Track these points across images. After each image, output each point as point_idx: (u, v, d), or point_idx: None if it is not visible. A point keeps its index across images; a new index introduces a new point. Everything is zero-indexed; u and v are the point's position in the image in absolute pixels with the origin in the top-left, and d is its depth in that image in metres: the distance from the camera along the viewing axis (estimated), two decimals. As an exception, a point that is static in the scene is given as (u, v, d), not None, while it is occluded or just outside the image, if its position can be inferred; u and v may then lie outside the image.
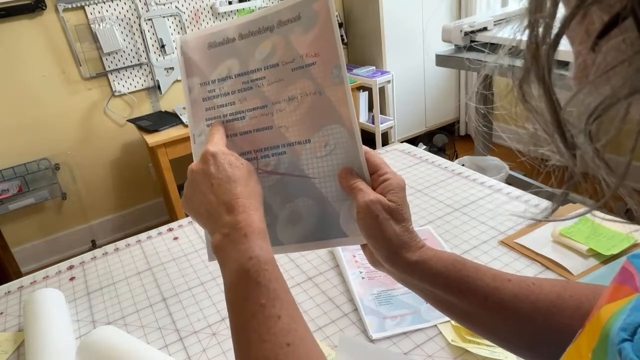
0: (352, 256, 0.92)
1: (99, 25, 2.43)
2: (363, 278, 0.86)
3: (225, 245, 0.43)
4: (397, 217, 0.46)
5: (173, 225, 1.16)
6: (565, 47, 0.25)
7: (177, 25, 2.65)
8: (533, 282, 0.45)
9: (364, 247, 0.51)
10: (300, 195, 0.51)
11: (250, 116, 0.53)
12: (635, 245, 0.84)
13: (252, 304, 0.40)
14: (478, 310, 0.45)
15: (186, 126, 2.28)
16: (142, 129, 2.35)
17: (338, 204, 0.50)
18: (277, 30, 0.51)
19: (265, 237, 0.43)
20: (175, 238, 1.10)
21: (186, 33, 2.26)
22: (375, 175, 0.49)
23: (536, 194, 1.07)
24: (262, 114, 0.52)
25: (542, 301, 0.43)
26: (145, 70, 2.63)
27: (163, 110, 2.66)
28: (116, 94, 2.59)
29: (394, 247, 0.45)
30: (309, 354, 0.38)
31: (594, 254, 0.84)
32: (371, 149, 0.52)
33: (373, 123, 2.96)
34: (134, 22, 2.53)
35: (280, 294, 0.41)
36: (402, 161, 1.32)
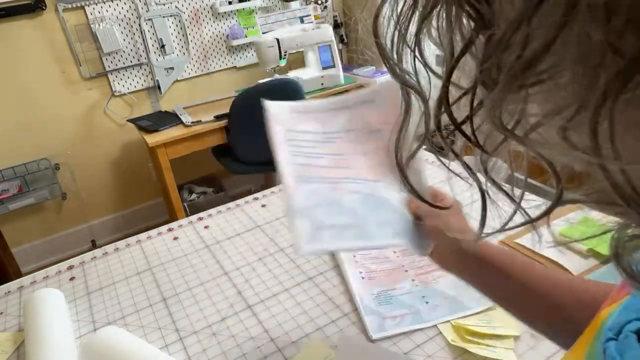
0: (352, 256, 0.92)
1: (99, 25, 2.43)
2: (363, 278, 0.86)
3: None
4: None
5: (173, 225, 1.16)
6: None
7: (177, 25, 2.65)
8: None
9: (431, 256, 0.60)
10: (383, 208, 0.61)
11: (330, 158, 0.64)
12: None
13: None
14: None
15: (186, 126, 2.28)
16: (142, 129, 2.35)
17: (409, 226, 0.61)
18: (353, 107, 0.66)
19: None
20: (175, 238, 1.10)
21: (185, 31, 2.26)
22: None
23: (537, 194, 1.07)
24: (340, 159, 0.64)
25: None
26: (145, 70, 2.63)
27: (163, 110, 2.66)
28: (116, 94, 2.59)
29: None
30: None
31: (594, 254, 0.84)
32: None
33: (373, 123, 2.96)
34: (134, 22, 2.53)
35: None
36: (402, 161, 1.32)
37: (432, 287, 0.82)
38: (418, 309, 0.78)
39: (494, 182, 0.26)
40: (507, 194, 0.26)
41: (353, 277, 0.86)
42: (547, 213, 0.24)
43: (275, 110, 0.67)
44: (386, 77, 0.66)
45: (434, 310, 0.77)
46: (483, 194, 0.27)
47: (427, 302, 0.79)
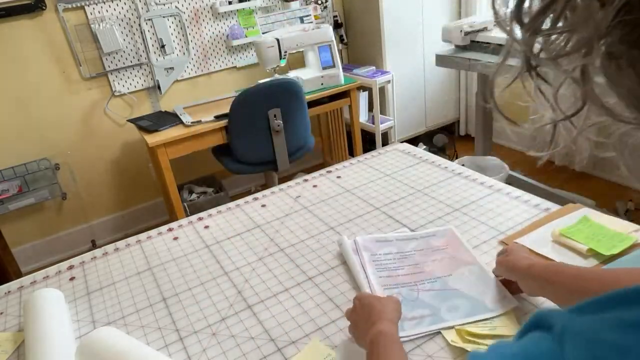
0: (370, 255, 0.92)
1: (99, 25, 2.43)
2: (380, 277, 0.87)
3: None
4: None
5: (173, 225, 1.16)
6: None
7: (177, 25, 2.65)
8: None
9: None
10: (453, 297, 0.81)
11: (407, 269, 0.89)
12: (635, 245, 0.84)
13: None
14: None
15: (186, 126, 2.28)
16: (142, 129, 2.35)
17: (480, 297, 0.80)
18: (420, 239, 0.96)
19: (391, 323, 0.66)
20: (175, 238, 1.10)
21: (185, 31, 2.26)
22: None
23: (536, 194, 1.07)
24: (415, 267, 0.89)
25: None
26: (145, 70, 2.63)
27: (163, 110, 2.66)
28: (116, 94, 2.59)
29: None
30: None
31: (594, 254, 0.84)
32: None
33: (373, 123, 2.96)
34: (134, 22, 2.53)
35: (394, 351, 0.61)
36: (402, 161, 1.32)
37: (452, 287, 0.83)
38: (438, 309, 0.78)
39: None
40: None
41: (373, 277, 0.86)
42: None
43: (363, 241, 0.95)
44: (442, 228, 0.99)
45: (454, 311, 0.77)
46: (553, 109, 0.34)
47: (447, 303, 0.80)
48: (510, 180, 2.37)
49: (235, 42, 2.75)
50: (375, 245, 0.94)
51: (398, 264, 0.90)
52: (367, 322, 0.67)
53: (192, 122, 2.29)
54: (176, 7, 2.61)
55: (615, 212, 2.27)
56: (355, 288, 0.86)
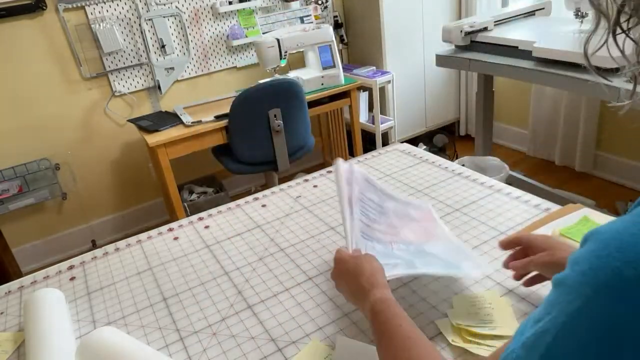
0: (359, 192, 0.88)
1: (99, 25, 2.43)
2: (361, 221, 0.84)
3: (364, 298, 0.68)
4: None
5: (173, 225, 1.16)
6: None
7: (177, 25, 2.65)
8: None
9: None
10: (428, 256, 0.82)
11: (384, 227, 0.87)
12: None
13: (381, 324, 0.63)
14: None
15: (186, 126, 2.28)
16: (142, 129, 2.35)
17: (455, 262, 0.81)
18: (398, 202, 0.94)
19: (385, 288, 0.67)
20: (176, 238, 1.10)
21: (186, 31, 2.27)
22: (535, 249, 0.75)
23: (536, 194, 1.07)
24: (391, 228, 0.88)
25: None
26: (145, 70, 2.64)
27: (163, 110, 2.66)
28: (116, 94, 2.59)
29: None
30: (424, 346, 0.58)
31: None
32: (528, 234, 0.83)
33: (373, 123, 2.96)
34: (134, 22, 2.53)
35: (398, 314, 0.63)
36: (402, 161, 1.32)
37: (427, 251, 0.84)
38: (412, 260, 0.78)
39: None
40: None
41: (356, 218, 0.83)
42: None
43: (358, 174, 0.89)
44: (420, 202, 1.00)
45: (428, 265, 0.78)
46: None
47: (421, 259, 0.80)
48: (510, 180, 2.37)
49: (236, 42, 2.75)
50: (364, 184, 0.90)
51: (376, 217, 0.88)
52: (359, 285, 0.69)
53: (192, 122, 2.29)
54: (176, 7, 2.61)
55: (615, 212, 2.27)
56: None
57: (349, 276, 0.71)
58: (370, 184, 0.92)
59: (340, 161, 0.88)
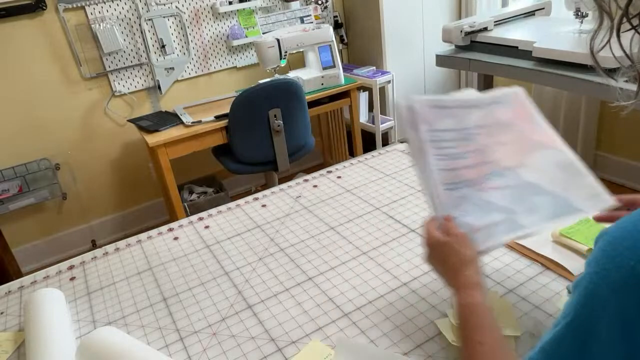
0: (428, 130, 0.72)
1: (99, 25, 2.43)
2: (440, 170, 0.69)
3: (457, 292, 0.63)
4: None
5: (173, 225, 1.16)
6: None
7: (177, 25, 2.65)
8: None
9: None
10: (530, 195, 0.67)
11: (471, 158, 0.70)
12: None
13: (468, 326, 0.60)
14: None
15: (186, 126, 2.28)
16: (142, 129, 2.35)
17: (565, 193, 0.67)
18: (483, 107, 0.75)
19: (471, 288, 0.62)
20: (176, 238, 1.10)
21: (186, 31, 2.26)
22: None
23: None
24: (479, 155, 0.71)
25: None
26: (145, 70, 2.63)
27: (163, 110, 2.66)
28: (116, 94, 2.59)
29: None
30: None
31: (594, 254, 0.84)
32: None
33: (373, 123, 2.96)
34: (134, 22, 2.53)
35: (481, 325, 0.59)
36: (402, 161, 1.33)
37: (527, 180, 0.69)
38: (513, 211, 0.65)
39: None
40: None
41: (435, 170, 0.69)
42: None
43: (421, 107, 0.71)
44: (508, 90, 0.80)
45: (534, 213, 0.65)
46: None
47: (523, 204, 0.66)
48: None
49: (236, 42, 2.75)
50: (433, 112, 0.72)
51: (460, 149, 0.70)
52: (448, 280, 0.65)
53: (192, 122, 2.29)
54: (176, 7, 2.61)
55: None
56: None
57: (439, 266, 0.67)
58: (440, 106, 0.73)
59: (400, 104, 0.73)
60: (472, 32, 2.15)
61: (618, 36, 0.45)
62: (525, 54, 1.92)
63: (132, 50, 2.56)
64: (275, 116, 2.23)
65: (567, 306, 0.40)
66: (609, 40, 0.46)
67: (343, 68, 2.70)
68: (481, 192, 0.67)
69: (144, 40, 2.57)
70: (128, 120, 2.53)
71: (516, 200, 0.65)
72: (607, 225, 0.64)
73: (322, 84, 2.60)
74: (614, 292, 0.35)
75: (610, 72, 0.52)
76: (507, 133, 0.73)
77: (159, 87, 2.67)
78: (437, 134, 0.71)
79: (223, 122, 2.28)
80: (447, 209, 0.66)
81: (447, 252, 0.65)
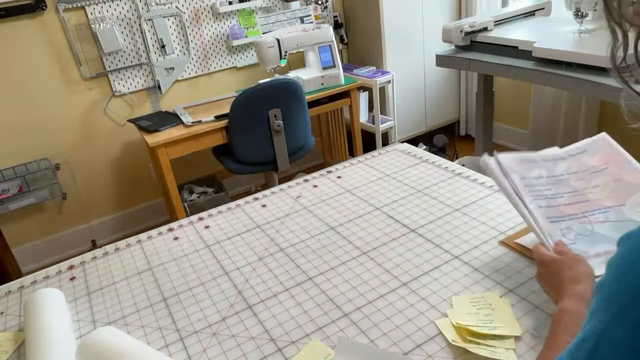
0: (519, 178, 0.80)
1: (99, 25, 2.43)
2: (540, 207, 0.76)
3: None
4: None
5: (173, 225, 1.16)
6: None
7: (177, 25, 2.65)
8: None
9: None
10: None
11: (568, 197, 0.76)
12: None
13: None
14: None
15: (186, 126, 2.28)
16: (142, 129, 2.35)
17: None
18: (568, 158, 0.82)
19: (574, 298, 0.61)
20: (176, 238, 1.10)
21: (186, 31, 2.27)
22: None
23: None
24: (577, 195, 0.76)
25: None
26: (145, 70, 2.64)
27: (163, 110, 2.66)
28: (116, 94, 2.59)
29: None
30: None
31: (594, 254, 0.84)
32: None
33: (373, 123, 2.96)
34: (134, 22, 2.53)
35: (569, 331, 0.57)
36: (402, 161, 1.32)
37: (631, 218, 0.72)
38: None
39: None
40: None
41: (532, 207, 0.75)
42: None
43: (507, 162, 0.79)
44: (593, 138, 0.89)
45: None
46: None
47: None
48: (510, 181, 2.36)
49: (236, 42, 2.75)
50: (521, 166, 0.79)
51: (555, 191, 0.76)
52: (555, 294, 0.66)
53: (192, 122, 2.29)
54: (176, 7, 2.61)
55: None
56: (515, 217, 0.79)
57: (550, 280, 0.68)
58: (527, 161, 0.80)
59: (485, 158, 0.79)
60: (472, 32, 2.15)
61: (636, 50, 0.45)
62: (525, 54, 1.92)
63: (132, 50, 2.56)
64: (275, 116, 2.23)
65: (590, 310, 0.40)
66: (635, 51, 0.46)
67: (343, 68, 2.70)
68: (586, 226, 0.71)
69: (144, 40, 2.57)
70: (128, 120, 2.53)
71: (620, 232, 0.69)
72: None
73: (322, 84, 2.60)
74: (634, 298, 0.35)
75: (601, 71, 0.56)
76: (600, 177, 0.78)
77: (159, 87, 2.67)
78: (530, 181, 0.77)
79: (223, 122, 2.28)
80: (555, 238, 0.70)
81: (560, 267, 0.66)
